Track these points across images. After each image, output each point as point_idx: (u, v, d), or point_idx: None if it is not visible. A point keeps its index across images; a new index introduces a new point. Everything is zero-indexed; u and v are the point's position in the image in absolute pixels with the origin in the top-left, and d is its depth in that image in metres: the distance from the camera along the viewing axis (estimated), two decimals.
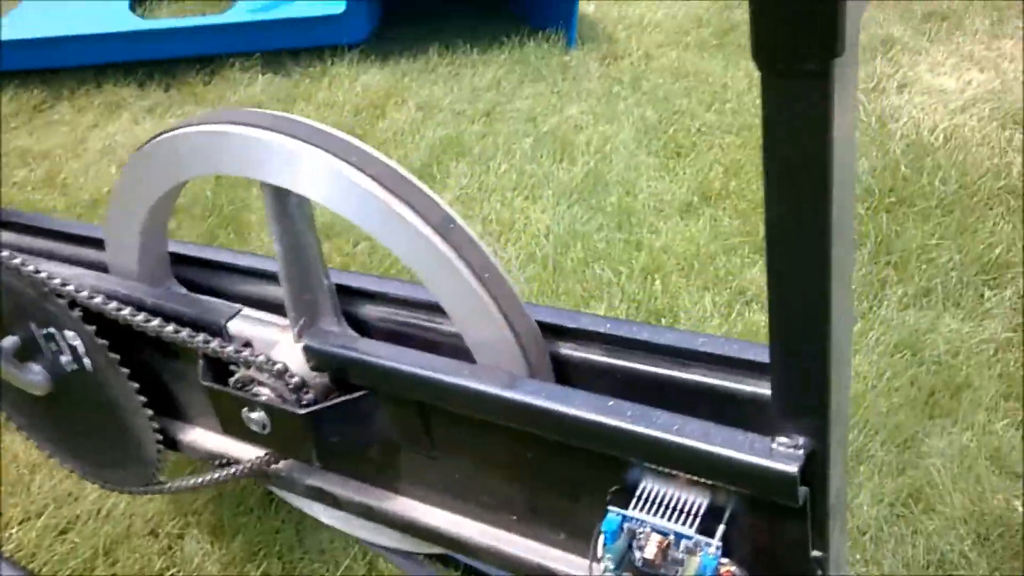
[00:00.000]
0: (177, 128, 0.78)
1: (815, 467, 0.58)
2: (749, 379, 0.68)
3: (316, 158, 0.70)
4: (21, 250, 1.02)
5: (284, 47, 2.44)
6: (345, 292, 0.84)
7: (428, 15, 2.54)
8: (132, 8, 2.65)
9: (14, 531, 1.31)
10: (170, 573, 1.26)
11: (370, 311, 0.84)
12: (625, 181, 1.97)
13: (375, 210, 0.69)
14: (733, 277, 1.68)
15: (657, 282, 1.67)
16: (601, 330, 0.72)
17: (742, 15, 2.70)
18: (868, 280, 1.64)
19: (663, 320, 1.58)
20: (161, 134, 0.79)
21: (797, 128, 0.44)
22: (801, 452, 0.57)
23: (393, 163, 0.72)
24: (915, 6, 2.74)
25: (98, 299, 0.82)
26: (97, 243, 0.94)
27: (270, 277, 0.89)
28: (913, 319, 1.54)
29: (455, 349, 0.77)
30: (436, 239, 0.69)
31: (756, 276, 1.67)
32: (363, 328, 0.84)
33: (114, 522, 1.30)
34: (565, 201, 1.91)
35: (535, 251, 1.77)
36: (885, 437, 1.34)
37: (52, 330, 0.90)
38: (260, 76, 2.38)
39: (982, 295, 1.60)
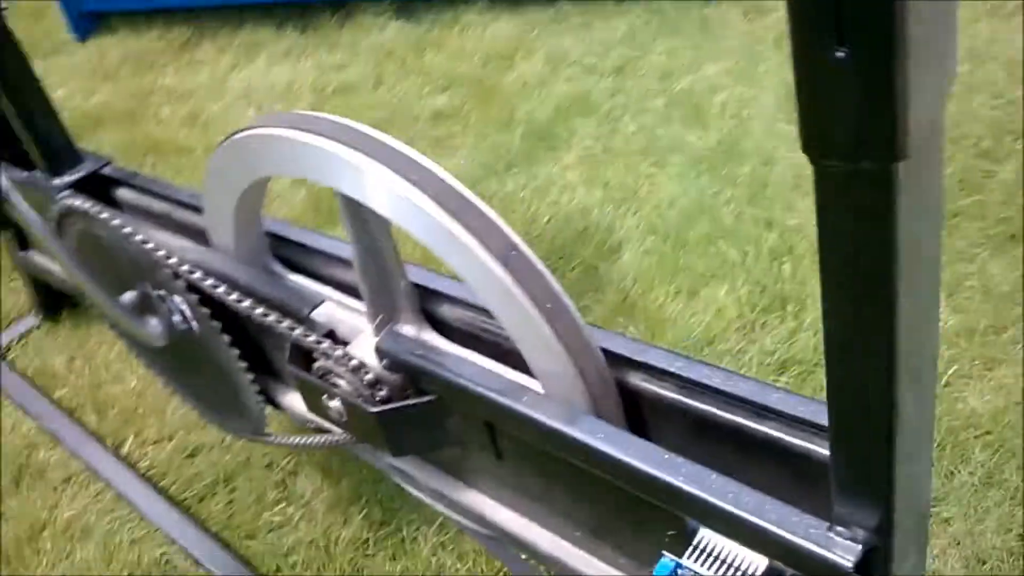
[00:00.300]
0: (263, 127, 0.79)
1: (876, 561, 0.53)
2: (822, 441, 0.63)
3: (385, 177, 0.70)
4: (138, 210, 1.07)
5: None
6: (428, 292, 0.84)
7: None
8: None
9: (149, 449, 1.40)
10: (281, 505, 1.31)
11: (451, 312, 0.83)
12: (761, 151, 1.85)
13: (439, 234, 0.69)
14: None
15: (787, 264, 1.57)
16: (671, 368, 0.70)
17: None
18: None
19: (788, 308, 1.49)
20: (248, 130, 0.80)
21: (856, 232, 0.38)
22: (859, 547, 0.53)
23: (461, 187, 0.72)
24: None
25: (197, 274, 0.84)
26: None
27: None
28: None
29: None
30: (497, 267, 0.68)
31: None
32: (445, 328, 0.83)
33: (235, 452, 1.37)
34: (695, 169, 1.82)
35: (657, 222, 1.69)
36: (1022, 462, 1.22)
37: (164, 292, 0.93)
38: (392, 22, 2.37)
39: None
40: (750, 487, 0.59)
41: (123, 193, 1.14)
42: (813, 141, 0.37)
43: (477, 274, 0.69)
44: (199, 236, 0.98)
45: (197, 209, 1.00)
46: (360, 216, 0.77)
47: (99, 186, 1.15)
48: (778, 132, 1.90)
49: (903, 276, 0.40)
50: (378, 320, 0.81)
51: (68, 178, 1.17)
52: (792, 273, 1.55)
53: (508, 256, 0.69)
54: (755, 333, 1.46)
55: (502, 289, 0.69)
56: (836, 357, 0.46)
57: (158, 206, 1.07)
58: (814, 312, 1.48)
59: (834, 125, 0.35)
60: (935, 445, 1.28)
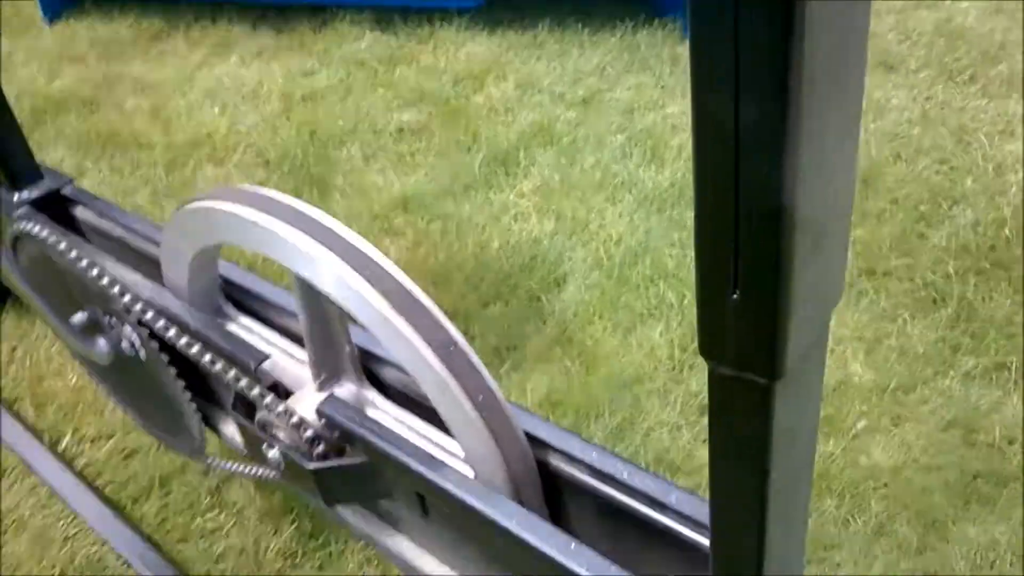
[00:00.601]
0: (217, 200, 0.84)
1: None
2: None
3: (339, 269, 0.76)
4: (96, 232, 1.10)
5: (395, 5, 2.44)
6: (370, 354, 0.89)
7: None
8: None
9: (86, 447, 1.43)
10: (214, 512, 1.35)
11: (391, 374, 0.87)
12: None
13: (385, 325, 0.75)
14: None
15: None
16: (587, 459, 0.77)
17: (879, 26, 2.55)
18: (939, 347, 1.57)
19: None
20: (211, 200, 0.84)
21: (740, 423, 0.44)
22: None
23: (409, 282, 0.77)
24: None
25: (150, 314, 0.88)
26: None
27: None
28: (976, 395, 1.48)
29: None
30: (435, 362, 0.74)
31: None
32: (385, 388, 0.88)
33: (172, 457, 1.40)
34: (645, 208, 1.88)
35: (603, 258, 1.76)
36: (912, 515, 1.30)
37: (114, 320, 0.97)
38: (368, 32, 2.40)
39: None
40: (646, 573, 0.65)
41: (82, 213, 1.16)
42: (708, 348, 0.43)
43: (417, 365, 0.75)
44: (154, 265, 1.01)
45: (154, 241, 1.04)
46: (311, 292, 0.83)
47: (58, 205, 1.18)
48: None
49: (776, 459, 0.46)
50: (322, 378, 0.86)
51: (27, 194, 1.18)
52: None
53: (447, 351, 0.75)
54: (683, 375, 1.53)
55: (439, 381, 0.75)
56: (718, 504, 0.52)
57: (117, 232, 1.10)
58: None
59: (726, 344, 0.41)
60: (836, 494, 1.35)
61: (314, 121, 2.09)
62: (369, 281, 0.74)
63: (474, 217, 1.85)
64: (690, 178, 1.51)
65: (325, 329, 0.85)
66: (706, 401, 1.36)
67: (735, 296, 0.39)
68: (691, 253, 1.55)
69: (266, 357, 0.89)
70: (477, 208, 1.88)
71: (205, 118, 2.08)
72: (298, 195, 1.86)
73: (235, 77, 2.23)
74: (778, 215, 0.35)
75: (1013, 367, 1.53)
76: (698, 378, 1.52)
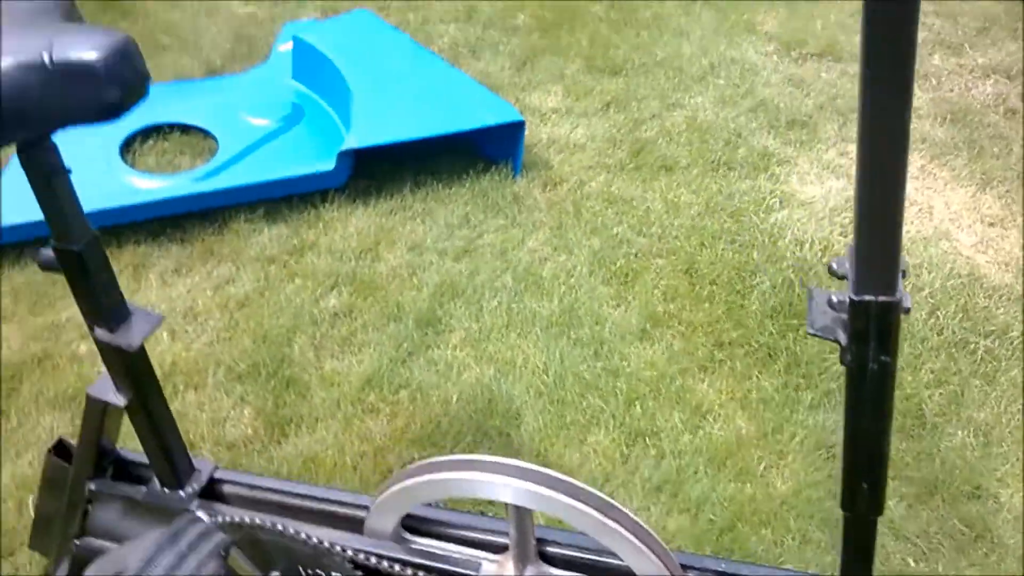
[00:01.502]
0: (422, 475, 1.21)
1: None
2: None
3: (559, 499, 1.16)
4: (257, 503, 1.43)
5: (275, 196, 2.80)
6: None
7: (393, 157, 2.95)
8: (121, 154, 2.92)
9: None
10: None
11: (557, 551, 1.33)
12: (591, 312, 2.51)
13: (609, 535, 1.15)
14: (690, 395, 2.27)
15: (637, 407, 2.23)
16: None
17: (648, 133, 3.29)
18: (786, 391, 2.27)
19: (648, 440, 2.14)
20: (417, 472, 1.23)
21: None
22: None
23: (606, 497, 1.15)
24: (780, 115, 3.43)
25: (361, 556, 1.27)
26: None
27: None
28: (822, 420, 2.18)
29: None
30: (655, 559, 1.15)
31: (706, 391, 2.26)
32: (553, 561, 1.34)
33: None
34: (549, 335, 2.43)
35: (540, 386, 2.28)
36: (818, 522, 1.96)
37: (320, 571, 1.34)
38: (265, 227, 2.74)
39: None
40: None
41: (232, 489, 1.46)
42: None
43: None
44: (321, 518, 1.37)
45: (311, 497, 1.40)
46: (523, 516, 1.21)
47: (216, 489, 1.46)
48: (598, 294, 2.58)
49: None
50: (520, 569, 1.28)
51: (191, 488, 1.37)
52: (643, 412, 2.22)
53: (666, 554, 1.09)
54: (632, 464, 2.10)
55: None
56: None
57: (274, 497, 1.43)
58: (667, 441, 2.15)
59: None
60: (767, 525, 1.99)
61: (259, 325, 2.42)
62: (588, 503, 1.17)
63: (428, 379, 2.30)
64: (569, 302, 2.31)
65: (524, 537, 1.28)
66: (658, 480, 1.94)
67: None
68: (598, 364, 2.11)
69: (479, 563, 1.30)
70: (427, 370, 2.33)
71: (160, 347, 2.34)
72: (282, 400, 2.21)
73: (167, 299, 2.49)
74: None
75: (837, 391, 2.26)
76: (646, 464, 2.09)
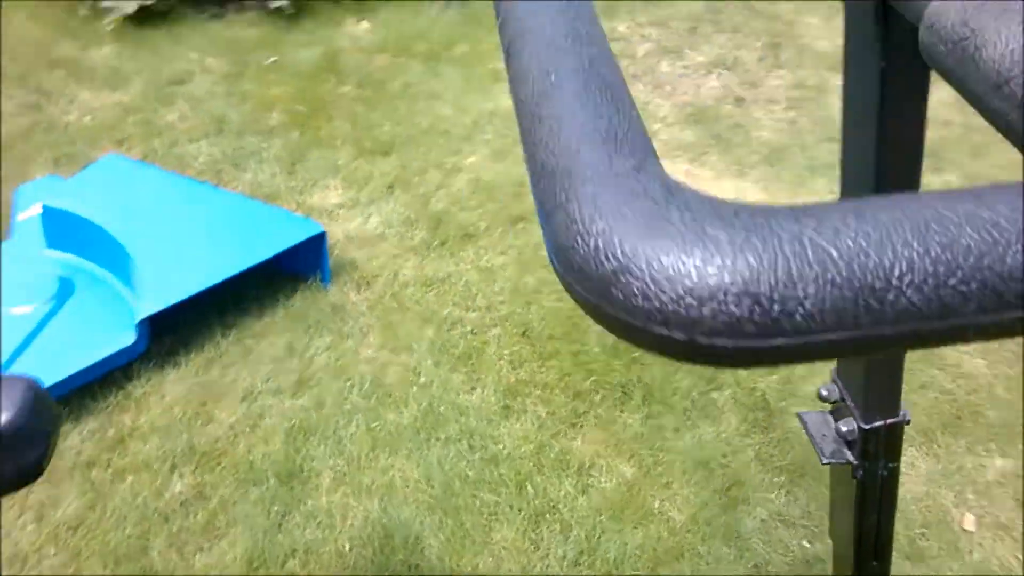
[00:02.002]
0: None
1: None
2: None
3: None
4: None
5: (71, 390, 2.51)
6: None
7: (191, 304, 2.75)
8: None
9: None
10: None
11: None
12: (450, 405, 2.49)
13: None
14: (570, 456, 2.31)
15: (528, 487, 2.24)
16: None
17: (439, 205, 3.31)
18: (650, 423, 2.37)
19: (548, 516, 2.16)
20: None
21: None
22: None
23: None
24: None
25: None
26: None
27: None
28: (693, 437, 2.31)
29: None
30: None
31: (582, 447, 2.32)
32: None
33: None
34: (420, 443, 2.38)
35: (429, 501, 2.23)
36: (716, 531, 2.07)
37: None
38: (71, 427, 2.45)
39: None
40: None
41: None
42: None
43: None
44: None
45: None
46: None
47: None
48: (450, 383, 2.56)
49: None
50: None
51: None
52: (534, 491, 2.23)
53: None
54: (544, 547, 2.11)
55: None
56: None
57: None
58: (566, 511, 2.17)
59: None
60: (681, 558, 2.07)
61: (104, 545, 2.16)
62: None
63: (313, 537, 2.17)
64: (426, 403, 2.30)
65: None
66: (574, 555, 1.95)
67: None
68: (477, 457, 2.08)
69: None
70: (308, 528, 2.19)
71: None
72: None
73: None
74: None
75: (692, 408, 2.40)
76: (556, 542, 2.10)
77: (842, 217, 0.28)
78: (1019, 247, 0.27)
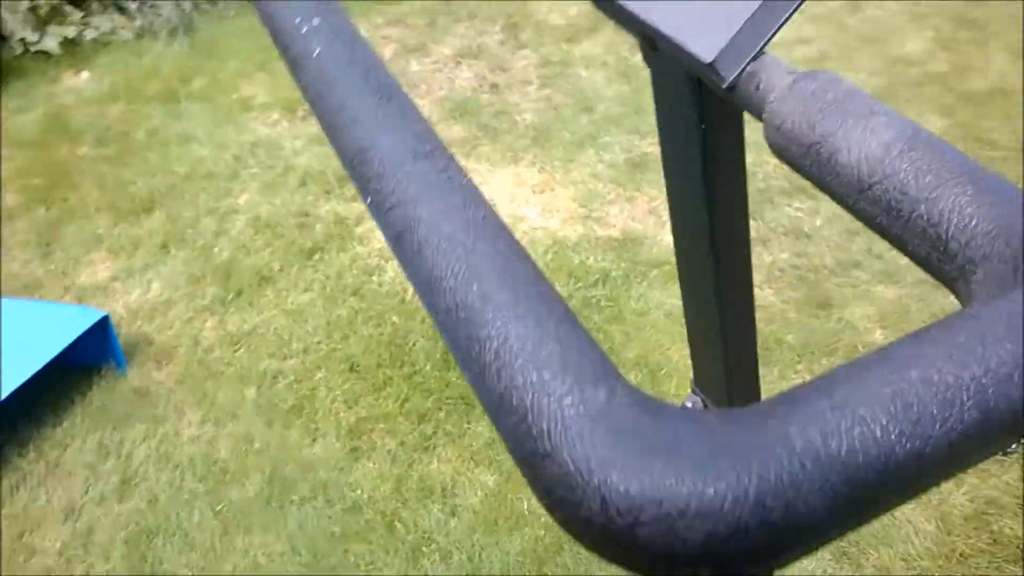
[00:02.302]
0: None
1: None
2: None
3: None
4: None
5: None
6: None
7: None
8: None
9: None
10: None
11: None
12: (296, 462, 2.40)
13: None
14: (431, 480, 2.32)
15: (398, 526, 2.23)
16: None
17: (223, 254, 3.14)
18: None
19: (424, 550, 2.17)
20: None
21: None
22: None
23: None
24: (327, 175, 3.49)
25: None
26: None
27: None
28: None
29: None
30: None
31: (440, 468, 2.34)
32: None
33: None
34: (274, 515, 2.28)
35: (308, 573, 2.15)
36: None
37: None
38: None
39: None
40: None
41: None
42: None
43: None
44: None
45: None
46: None
47: None
48: (289, 443, 2.47)
49: None
50: None
51: None
52: (405, 528, 2.22)
53: None
54: None
55: None
56: None
57: None
58: (442, 538, 2.18)
59: None
60: None
61: None
62: None
63: None
64: (272, 466, 2.29)
65: None
66: None
67: None
68: (339, 508, 2.08)
69: None
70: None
71: None
72: None
73: None
74: None
75: None
76: (438, 572, 2.11)
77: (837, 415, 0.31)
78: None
